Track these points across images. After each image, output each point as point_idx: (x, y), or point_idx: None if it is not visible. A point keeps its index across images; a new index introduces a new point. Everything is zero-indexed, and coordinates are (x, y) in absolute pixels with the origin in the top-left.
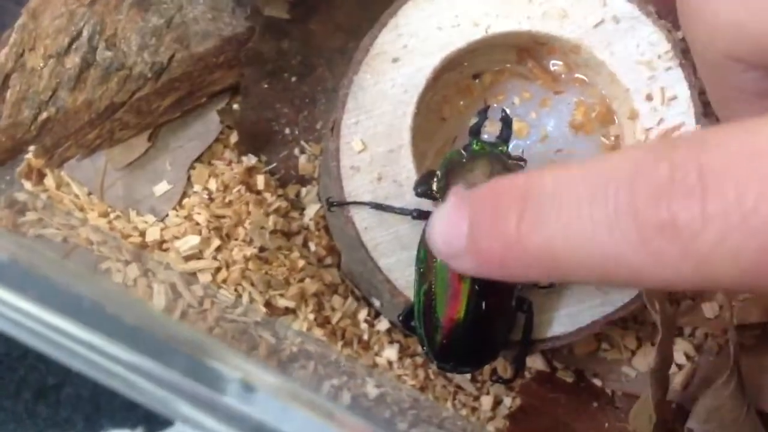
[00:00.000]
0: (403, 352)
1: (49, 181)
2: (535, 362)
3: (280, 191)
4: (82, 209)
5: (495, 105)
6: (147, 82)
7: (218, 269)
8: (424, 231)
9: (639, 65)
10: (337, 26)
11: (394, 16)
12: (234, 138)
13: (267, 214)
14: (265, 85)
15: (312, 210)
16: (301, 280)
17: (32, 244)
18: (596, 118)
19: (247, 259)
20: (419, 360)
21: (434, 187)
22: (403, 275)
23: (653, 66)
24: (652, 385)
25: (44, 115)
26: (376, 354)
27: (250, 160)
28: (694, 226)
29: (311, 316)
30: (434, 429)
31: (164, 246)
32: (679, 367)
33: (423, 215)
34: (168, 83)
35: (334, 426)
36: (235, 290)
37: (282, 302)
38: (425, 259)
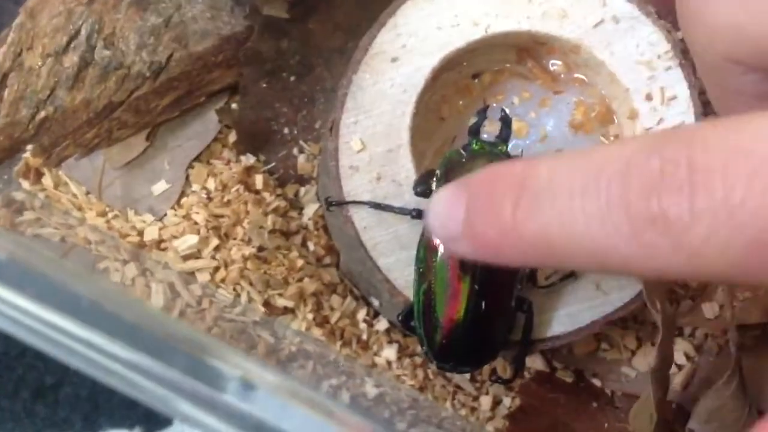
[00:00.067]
0: (402, 352)
1: (47, 180)
2: (535, 362)
3: (278, 191)
4: (80, 208)
5: (494, 105)
6: (145, 82)
7: (217, 269)
8: (423, 230)
9: (639, 65)
10: (336, 26)
11: (393, 16)
12: (232, 137)
13: (265, 214)
14: (264, 85)
15: (311, 209)
16: (300, 280)
17: (30, 243)
18: (596, 117)
19: (245, 259)
20: (418, 360)
21: (433, 186)
22: (402, 275)
23: (653, 66)
24: (652, 384)
25: (42, 114)
26: (375, 354)
27: (248, 159)
28: (684, 220)
29: (310, 316)
30: (433, 429)
31: (162, 245)
32: (679, 367)
33: (422, 215)
34: (166, 82)
35: (334, 424)
36: (234, 290)
37: (281, 302)
38: (425, 258)
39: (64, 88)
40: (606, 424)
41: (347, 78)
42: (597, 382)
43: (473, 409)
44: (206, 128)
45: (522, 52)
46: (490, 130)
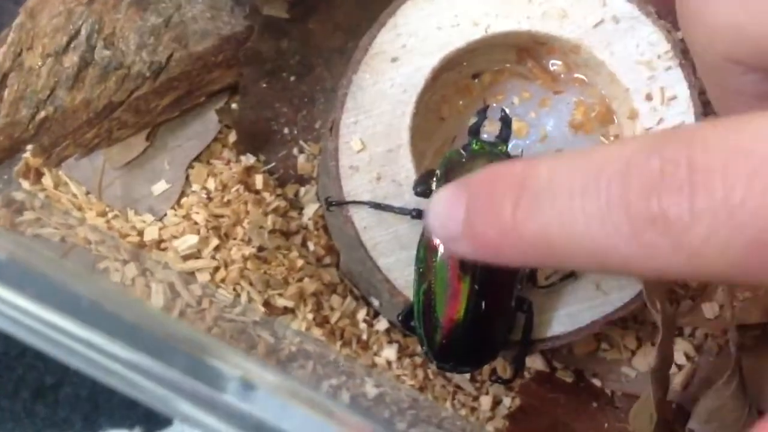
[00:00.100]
0: (402, 352)
1: (47, 180)
2: (535, 362)
3: (278, 191)
4: (80, 208)
5: (494, 105)
6: (145, 81)
7: (217, 269)
8: (423, 230)
9: (639, 65)
10: (336, 26)
11: (393, 16)
12: (233, 137)
13: (265, 214)
14: (264, 85)
15: (311, 209)
16: (300, 280)
17: (30, 243)
18: (596, 117)
19: (245, 259)
20: (418, 360)
21: (434, 186)
22: (402, 275)
23: (653, 66)
24: (652, 384)
25: (42, 114)
26: (375, 354)
27: (248, 159)
28: (684, 220)
29: (310, 316)
30: (433, 429)
31: (162, 245)
32: (679, 367)
33: (422, 215)
34: (166, 82)
35: (333, 424)
36: (234, 290)
37: (281, 302)
38: (425, 258)
39: (64, 88)
40: (606, 424)
41: (347, 78)
42: (597, 382)
43: (473, 409)
44: (206, 128)
45: (522, 52)
46: (490, 130)
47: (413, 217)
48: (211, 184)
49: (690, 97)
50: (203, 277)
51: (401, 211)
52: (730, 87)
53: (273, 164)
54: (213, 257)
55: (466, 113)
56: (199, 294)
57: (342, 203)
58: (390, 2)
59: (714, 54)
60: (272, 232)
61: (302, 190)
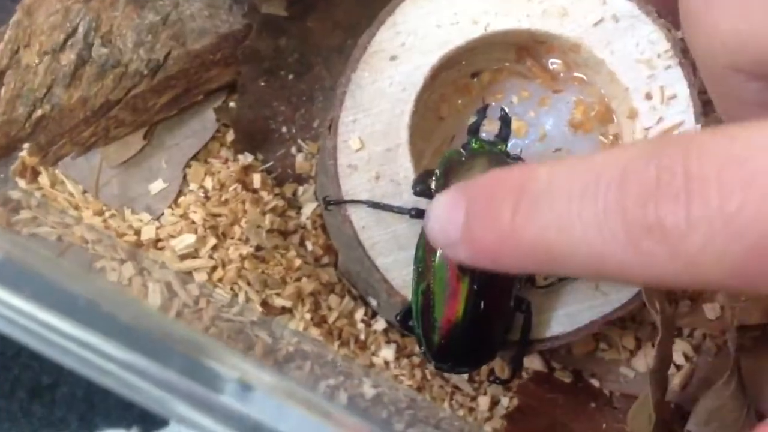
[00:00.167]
0: (400, 352)
1: (44, 179)
2: (533, 362)
3: (276, 190)
4: (76, 207)
5: (493, 104)
6: (143, 80)
7: (214, 268)
8: (422, 230)
9: (638, 64)
10: (335, 24)
11: (392, 14)
12: (230, 136)
13: (263, 213)
14: (262, 83)
15: (309, 209)
16: (298, 280)
17: (26, 242)
18: (595, 116)
19: (243, 258)
20: (416, 360)
21: (433, 185)
22: (400, 275)
23: (653, 65)
24: (651, 385)
25: (39, 112)
26: (373, 354)
27: (246, 158)
28: (680, 228)
29: (308, 316)
30: (431, 429)
31: (160, 245)
32: (678, 367)
33: (421, 214)
34: (164, 81)
35: (331, 425)
36: (231, 289)
37: (278, 301)
38: (423, 258)
39: (61, 86)
40: (604, 425)
41: (346, 76)
42: (595, 383)
43: (471, 410)
44: (204, 127)
45: (521, 51)
46: (489, 130)
47: (412, 216)
48: (208, 183)
49: (690, 96)
50: (200, 277)
51: (400, 211)
52: (733, 95)
53: (271, 163)
54: (210, 257)
55: (465, 112)
56: (196, 294)
57: (340, 202)
58: (389, 0)
59: (716, 63)
60: (270, 231)
61: (300, 189)
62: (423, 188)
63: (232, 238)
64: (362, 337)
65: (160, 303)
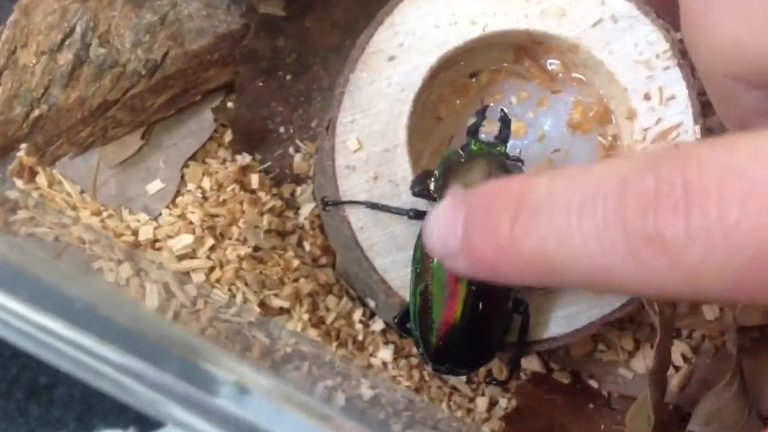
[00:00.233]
0: (398, 353)
1: (41, 179)
2: (531, 363)
3: (274, 190)
4: (74, 207)
5: (492, 104)
6: (141, 80)
7: (212, 269)
8: (420, 231)
9: (637, 64)
10: (333, 24)
11: (390, 14)
12: (228, 136)
13: (261, 214)
14: (260, 83)
15: (307, 209)
16: (296, 280)
17: (23, 244)
18: (594, 117)
19: (241, 259)
20: (414, 361)
21: (432, 186)
22: (398, 275)
23: (651, 65)
24: (650, 386)
25: (36, 112)
26: (371, 355)
27: (244, 158)
28: (680, 240)
29: (306, 317)
30: (429, 430)
31: (157, 245)
32: (677, 368)
33: (419, 215)
34: (162, 81)
35: (328, 428)
36: (229, 290)
37: (276, 302)
38: (422, 259)
39: (59, 86)
40: (602, 426)
41: (344, 77)
42: (594, 384)
43: (469, 411)
44: (202, 127)
45: (520, 51)
46: (488, 131)
47: (410, 217)
48: (206, 183)
49: (688, 97)
50: (198, 278)
51: (398, 212)
52: (733, 103)
53: (269, 163)
54: (208, 257)
55: (463, 113)
56: (194, 294)
57: (338, 203)
58: (387, 0)
59: (716, 71)
60: (268, 232)
61: (298, 189)
62: (421, 189)
63: (230, 239)
64: (360, 337)
65: (157, 304)
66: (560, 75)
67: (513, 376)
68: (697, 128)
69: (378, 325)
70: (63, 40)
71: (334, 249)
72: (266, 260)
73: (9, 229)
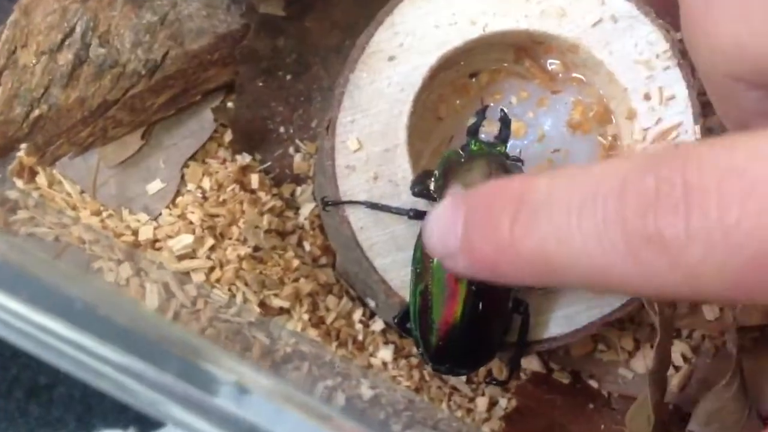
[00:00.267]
0: (398, 353)
1: (41, 179)
2: (531, 363)
3: (274, 190)
4: (74, 207)
5: (492, 104)
6: (141, 80)
7: (212, 269)
8: (420, 231)
9: (637, 65)
10: (333, 24)
11: (390, 14)
12: (228, 136)
13: (261, 214)
14: (260, 83)
15: (307, 209)
16: (296, 280)
17: (23, 244)
18: (594, 117)
19: (241, 259)
20: (414, 361)
21: (432, 186)
22: (398, 275)
23: (651, 65)
24: (650, 386)
25: (36, 112)
26: (371, 355)
27: (244, 158)
28: (680, 240)
29: (306, 317)
30: (429, 430)
31: (157, 245)
32: (676, 368)
33: (419, 215)
34: (162, 81)
35: (327, 429)
36: (229, 290)
37: (276, 302)
38: (422, 259)
39: (59, 86)
40: (602, 426)
41: (344, 77)
42: (594, 384)
43: (469, 411)
44: (202, 127)
45: (520, 51)
46: (488, 131)
47: (410, 217)
48: (206, 183)
49: (688, 97)
50: (198, 278)
51: (398, 212)
52: (734, 104)
53: (269, 163)
54: (208, 257)
55: (463, 113)
56: (194, 294)
57: (338, 203)
58: (387, 0)
59: (716, 71)
60: (268, 232)
61: (298, 189)
62: (421, 189)
63: (230, 239)
64: (360, 337)
65: (157, 304)
66: (560, 75)
67: (513, 376)
68: (697, 128)
69: (378, 325)
70: (63, 40)
71: (334, 249)
72: (266, 260)
73: (9, 229)
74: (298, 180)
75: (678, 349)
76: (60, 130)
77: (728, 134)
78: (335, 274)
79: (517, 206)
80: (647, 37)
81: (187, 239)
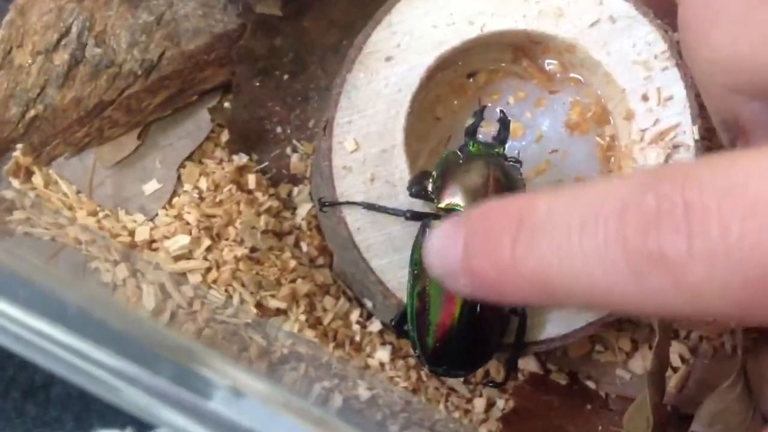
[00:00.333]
0: (396, 354)
1: (37, 179)
2: (529, 364)
3: (271, 190)
4: (70, 208)
5: (489, 105)
6: (137, 80)
7: (208, 269)
8: (418, 232)
9: (635, 65)
10: (331, 23)
11: (388, 14)
12: (225, 136)
13: (258, 214)
14: (257, 83)
15: (304, 210)
16: (293, 281)
17: (19, 246)
18: (592, 118)
19: (237, 260)
20: (411, 361)
21: (429, 187)
22: (395, 276)
23: (649, 66)
24: (648, 388)
25: (32, 112)
26: (368, 355)
27: (241, 158)
28: (681, 259)
29: (302, 317)
30: None
31: (154, 246)
32: (674, 369)
33: (416, 216)
34: (158, 81)
35: None
36: (226, 291)
37: (273, 303)
38: (419, 261)
39: (55, 87)
40: (600, 427)
41: (341, 77)
42: (591, 385)
43: (467, 412)
44: (198, 127)
45: (517, 52)
46: (486, 131)
47: (407, 218)
48: (203, 183)
49: (686, 98)
50: (195, 278)
51: (395, 212)
52: (731, 115)
53: (266, 164)
54: (205, 258)
55: (461, 113)
56: (190, 295)
57: (335, 204)
58: (385, 0)
59: (715, 82)
60: (265, 232)
61: (295, 190)
62: (419, 189)
63: (227, 239)
64: (357, 338)
65: (153, 305)
66: (558, 75)
67: (510, 377)
68: (695, 129)
69: (375, 325)
70: (59, 40)
71: (331, 250)
72: (263, 261)
73: (5, 229)
74: (295, 180)
75: (676, 350)
76: (56, 130)
77: (727, 151)
78: (332, 275)
79: (518, 226)
80: (645, 38)
81: (183, 240)
